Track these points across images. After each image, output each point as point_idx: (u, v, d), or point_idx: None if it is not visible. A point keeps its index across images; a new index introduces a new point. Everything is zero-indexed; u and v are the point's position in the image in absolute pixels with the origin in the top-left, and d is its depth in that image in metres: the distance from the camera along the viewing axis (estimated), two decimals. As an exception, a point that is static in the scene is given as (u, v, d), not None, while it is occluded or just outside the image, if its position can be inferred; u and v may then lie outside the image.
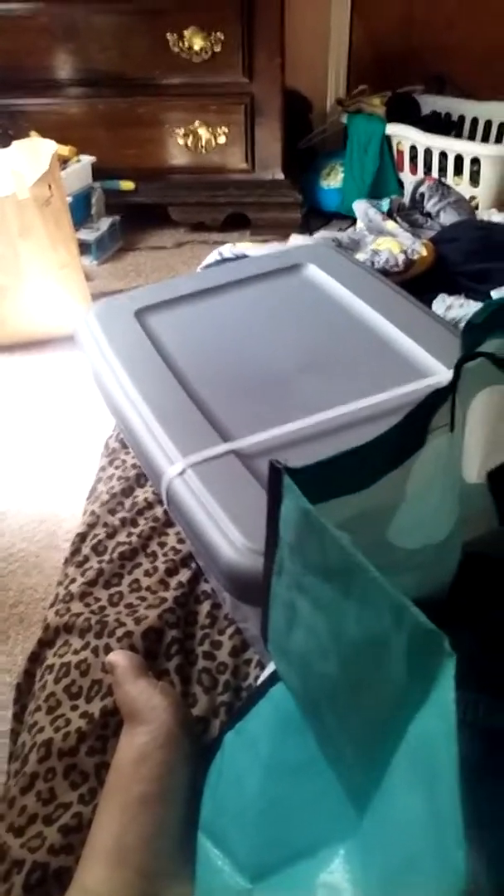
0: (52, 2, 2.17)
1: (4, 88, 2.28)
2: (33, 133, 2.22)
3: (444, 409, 0.36)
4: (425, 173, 2.27)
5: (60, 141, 2.03)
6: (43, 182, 1.77)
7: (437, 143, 2.22)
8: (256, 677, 0.55)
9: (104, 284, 2.22)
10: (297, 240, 1.01)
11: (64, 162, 2.20)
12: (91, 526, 0.69)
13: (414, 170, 2.32)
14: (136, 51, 2.22)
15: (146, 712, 0.45)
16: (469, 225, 1.08)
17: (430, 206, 1.16)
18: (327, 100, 2.65)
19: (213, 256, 1.00)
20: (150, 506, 0.70)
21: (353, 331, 0.66)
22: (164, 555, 0.65)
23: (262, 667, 0.55)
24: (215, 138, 2.35)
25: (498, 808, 0.33)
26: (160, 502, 0.70)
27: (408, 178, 2.33)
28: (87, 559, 0.66)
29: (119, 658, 0.49)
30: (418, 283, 0.91)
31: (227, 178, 2.43)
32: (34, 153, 1.88)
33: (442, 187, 1.18)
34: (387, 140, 2.34)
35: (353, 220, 1.14)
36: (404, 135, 2.28)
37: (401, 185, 2.36)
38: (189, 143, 2.37)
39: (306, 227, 2.42)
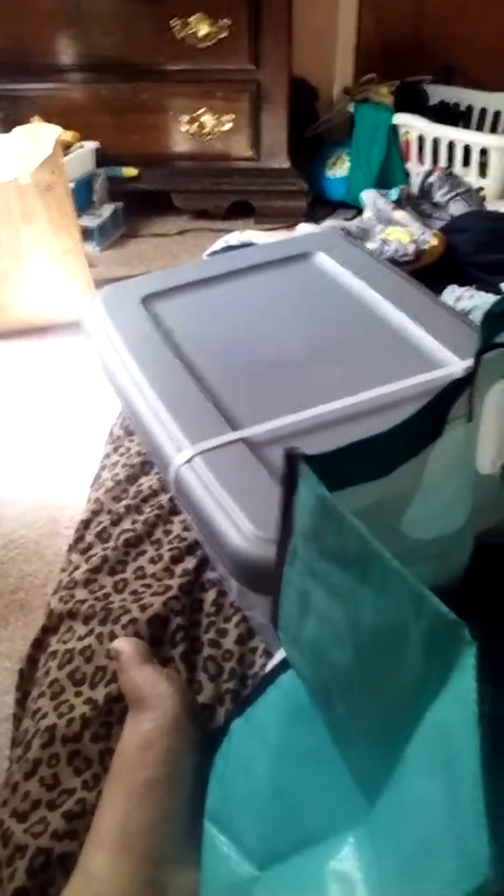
0: (58, -15, 2.15)
1: (7, 73, 2.26)
2: (36, 118, 2.20)
3: (462, 399, 0.36)
4: (433, 163, 2.26)
5: (63, 126, 2.02)
6: (45, 167, 1.76)
7: (445, 133, 2.21)
8: (262, 665, 0.55)
9: (107, 271, 2.21)
10: (305, 228, 1.00)
11: (66, 147, 2.19)
12: (95, 513, 0.69)
13: (421, 160, 2.31)
14: (140, 36, 2.21)
15: (151, 699, 0.44)
16: (479, 216, 1.07)
17: (438, 196, 1.15)
18: (334, 88, 2.64)
19: (220, 244, 0.99)
20: (154, 493, 0.70)
21: (364, 320, 0.65)
22: (170, 542, 0.65)
23: (268, 655, 0.55)
24: (220, 125, 2.34)
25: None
26: (165, 490, 0.69)
27: (414, 169, 2.32)
28: (91, 546, 0.66)
29: (124, 644, 0.49)
30: (428, 273, 0.90)
31: (232, 165, 2.42)
32: (37, 138, 1.87)
33: (451, 178, 1.18)
34: (394, 130, 2.32)
35: (359, 210, 1.14)
36: (412, 124, 2.27)
37: (407, 175, 2.35)
38: (193, 129, 2.36)
39: (311, 217, 2.40)
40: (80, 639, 0.58)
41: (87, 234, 2.22)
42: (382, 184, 2.18)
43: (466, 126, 2.41)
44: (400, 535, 0.38)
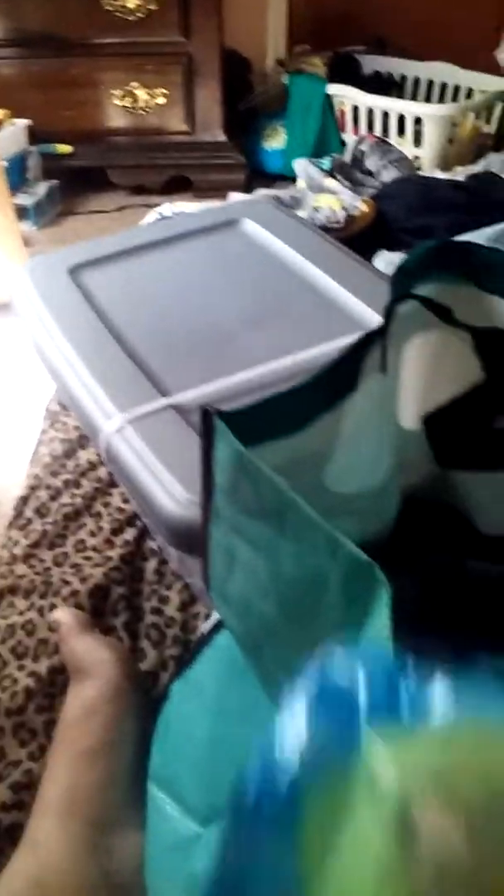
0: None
1: None
2: (-37, 94, 2.14)
3: (377, 353, 0.37)
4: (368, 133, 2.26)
5: (-8, 103, 1.97)
6: (-25, 145, 1.72)
7: (380, 103, 2.21)
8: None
9: (44, 249, 2.16)
10: (235, 197, 1.00)
11: (-3, 125, 2.13)
12: (33, 489, 0.69)
13: (357, 130, 2.31)
14: (68, 9, 2.15)
15: (93, 667, 0.45)
16: (411, 181, 1.09)
17: (370, 163, 1.16)
18: (267, 60, 2.61)
19: (153, 216, 0.99)
20: (93, 467, 0.69)
21: (292, 285, 0.66)
22: (109, 514, 0.65)
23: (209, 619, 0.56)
24: (153, 99, 2.30)
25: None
26: (103, 463, 0.69)
27: (350, 139, 2.31)
28: (29, 521, 0.65)
29: (64, 615, 0.49)
30: (360, 240, 0.91)
31: (168, 139, 2.38)
32: (-35, 115, 1.82)
33: (383, 145, 1.19)
34: (329, 100, 2.32)
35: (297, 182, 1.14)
36: (346, 95, 2.27)
37: (344, 145, 2.34)
38: (127, 104, 2.31)
39: (249, 189, 2.39)
40: (21, 613, 0.58)
41: (22, 212, 2.17)
42: (319, 154, 2.17)
43: (400, 96, 2.42)
44: (323, 489, 0.38)
